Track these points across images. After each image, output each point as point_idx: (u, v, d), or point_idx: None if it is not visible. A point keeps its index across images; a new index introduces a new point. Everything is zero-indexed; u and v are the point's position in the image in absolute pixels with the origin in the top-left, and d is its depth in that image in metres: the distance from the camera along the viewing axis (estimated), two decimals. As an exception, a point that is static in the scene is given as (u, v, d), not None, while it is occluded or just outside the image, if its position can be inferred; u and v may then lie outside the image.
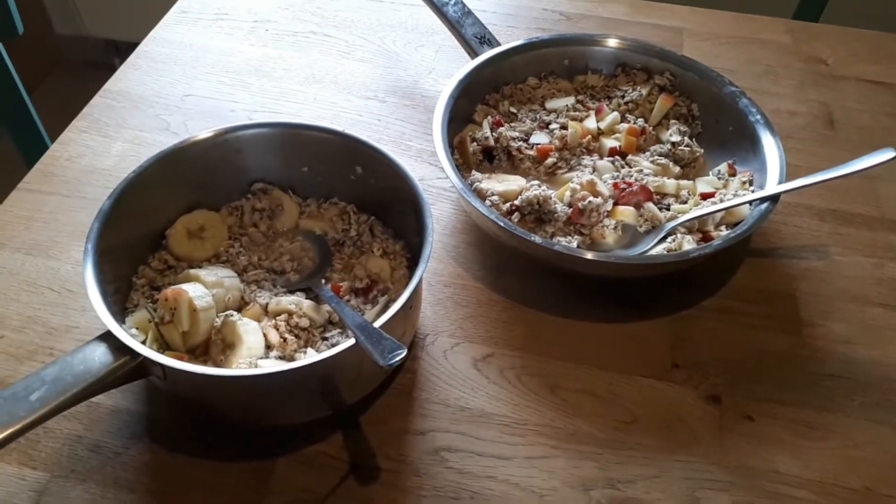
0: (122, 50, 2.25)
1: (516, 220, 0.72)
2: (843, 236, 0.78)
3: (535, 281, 0.73)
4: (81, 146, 0.84)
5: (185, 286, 0.60)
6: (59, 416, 0.58)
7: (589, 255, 0.66)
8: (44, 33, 2.25)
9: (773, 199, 0.70)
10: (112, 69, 0.95)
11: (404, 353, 0.50)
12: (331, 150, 0.69)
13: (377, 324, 0.54)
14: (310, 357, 0.53)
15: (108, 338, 0.53)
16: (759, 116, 0.77)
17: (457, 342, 0.68)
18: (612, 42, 0.86)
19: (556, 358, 0.67)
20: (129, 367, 0.52)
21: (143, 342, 0.58)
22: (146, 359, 0.52)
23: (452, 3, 0.88)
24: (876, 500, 0.59)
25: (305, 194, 0.73)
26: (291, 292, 0.65)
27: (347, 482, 0.59)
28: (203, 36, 0.99)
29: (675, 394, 0.65)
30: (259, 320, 0.62)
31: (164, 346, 0.60)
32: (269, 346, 0.60)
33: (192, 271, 0.63)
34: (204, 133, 0.67)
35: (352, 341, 0.53)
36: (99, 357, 0.52)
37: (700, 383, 0.66)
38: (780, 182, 0.71)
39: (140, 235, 0.66)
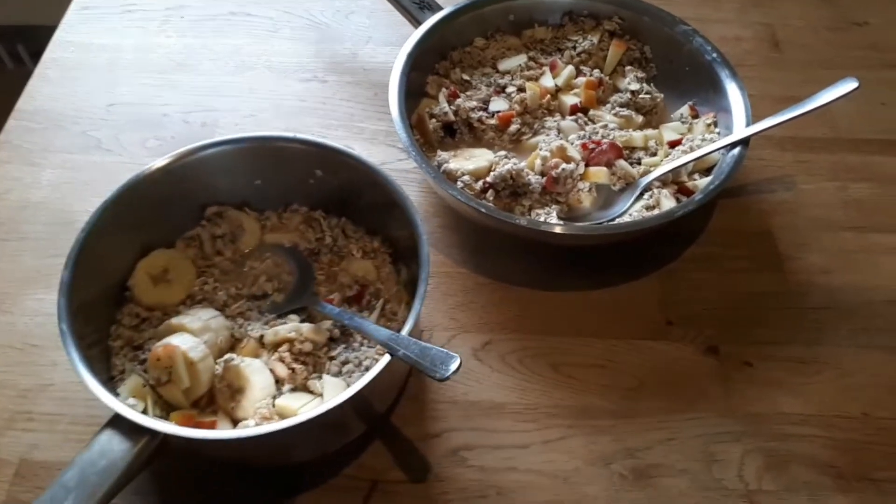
0: (4, 35, 2.07)
1: (491, 197, 0.70)
2: (805, 163, 0.79)
3: (518, 257, 0.71)
4: (8, 180, 0.77)
5: (173, 340, 0.56)
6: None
7: (579, 229, 0.65)
8: None
9: (744, 142, 0.69)
10: None
11: (458, 360, 0.49)
12: (286, 157, 0.65)
13: (404, 332, 0.52)
14: (352, 388, 0.51)
15: (118, 421, 0.49)
16: (714, 55, 0.76)
17: (452, 334, 0.67)
18: (556, -9, 0.83)
19: (553, 334, 0.67)
20: (152, 447, 0.49)
21: (144, 410, 0.55)
22: (168, 435, 0.49)
23: (383, -33, 0.82)
24: (874, 424, 0.62)
25: (261, 207, 0.68)
26: (282, 315, 0.62)
27: (371, 501, 0.58)
28: (113, 34, 0.91)
29: (674, 351, 0.66)
30: (258, 356, 0.59)
31: (165, 408, 0.57)
32: (278, 381, 0.58)
33: (174, 321, 0.59)
34: (148, 167, 0.62)
35: (384, 358, 0.52)
36: (118, 445, 0.48)
37: (696, 337, 0.67)
38: (748, 124, 0.71)
39: (103, 292, 0.61)
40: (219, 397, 0.57)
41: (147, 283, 0.62)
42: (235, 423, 0.56)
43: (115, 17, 0.93)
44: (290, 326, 0.60)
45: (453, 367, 0.49)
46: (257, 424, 0.54)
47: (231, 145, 0.65)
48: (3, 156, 0.79)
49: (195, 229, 0.67)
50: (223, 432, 0.51)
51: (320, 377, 0.59)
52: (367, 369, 0.58)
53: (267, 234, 0.67)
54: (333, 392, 0.56)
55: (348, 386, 0.56)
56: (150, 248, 0.64)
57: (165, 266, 0.63)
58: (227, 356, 0.58)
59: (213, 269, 0.65)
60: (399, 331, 0.54)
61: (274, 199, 0.68)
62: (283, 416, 0.55)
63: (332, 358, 0.60)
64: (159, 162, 0.63)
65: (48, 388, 0.63)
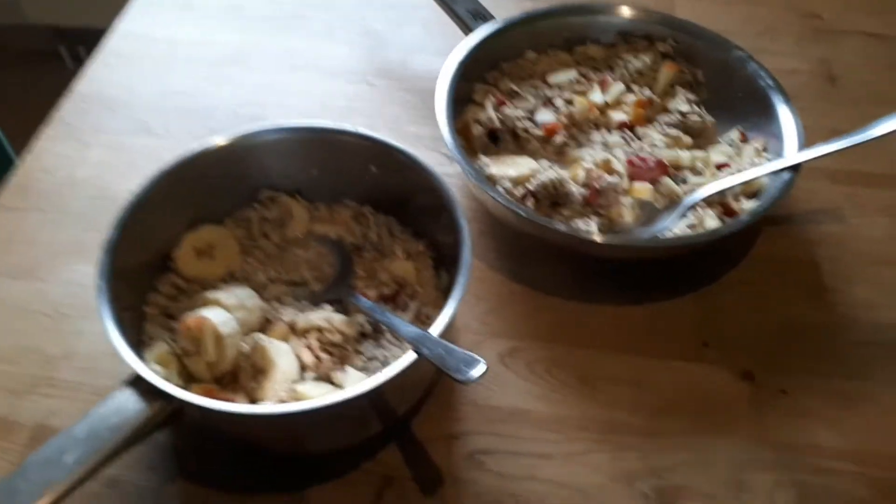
0: (67, 36, 2.14)
1: (531, 204, 0.69)
2: (857, 197, 0.77)
3: (555, 267, 0.70)
4: (56, 156, 0.79)
5: (205, 312, 0.56)
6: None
7: (620, 240, 0.63)
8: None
9: (795, 168, 0.68)
10: (58, 57, 0.89)
11: (484, 365, 0.47)
12: (344, 151, 0.65)
13: (434, 333, 0.51)
14: (371, 380, 0.50)
15: (138, 382, 0.49)
16: (769, 81, 0.75)
17: (481, 339, 0.66)
18: (612, 10, 0.83)
19: (584, 346, 0.65)
20: (166, 412, 0.49)
21: (166, 378, 0.54)
22: (184, 402, 0.48)
23: (440, -24, 0.83)
24: (917, 468, 0.59)
25: (313, 197, 0.68)
26: (316, 304, 0.62)
27: (384, 498, 0.56)
28: (172, 27, 0.93)
29: (708, 374, 0.64)
30: (287, 340, 0.59)
31: (187, 379, 0.56)
32: (302, 368, 0.57)
33: (210, 294, 0.59)
34: (210, 142, 0.63)
35: (408, 355, 0.50)
36: (133, 405, 0.48)
37: (731, 361, 0.64)
38: (800, 150, 0.69)
39: (146, 260, 0.61)
40: (241, 376, 0.56)
41: (191, 255, 0.62)
42: (255, 403, 0.55)
43: (176, 12, 0.95)
44: (323, 315, 0.59)
45: (477, 371, 0.47)
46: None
47: (291, 133, 0.65)
48: (55, 132, 0.81)
49: (246, 210, 0.67)
50: (236, 406, 0.50)
51: (344, 369, 0.58)
52: None
53: (315, 224, 0.67)
54: (355, 385, 0.55)
55: None
56: (199, 222, 0.64)
57: (211, 242, 0.64)
58: (255, 335, 0.57)
59: (257, 251, 0.66)
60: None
61: (327, 190, 0.68)
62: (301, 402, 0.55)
63: (359, 353, 0.59)
64: (219, 140, 0.63)
65: (73, 356, 0.63)
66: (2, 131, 1.22)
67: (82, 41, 2.03)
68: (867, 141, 0.69)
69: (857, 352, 0.65)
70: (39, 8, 2.09)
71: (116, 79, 0.87)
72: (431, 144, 0.81)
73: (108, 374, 0.61)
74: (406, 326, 0.55)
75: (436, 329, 0.52)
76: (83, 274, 0.68)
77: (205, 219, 0.65)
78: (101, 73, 0.88)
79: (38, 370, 0.63)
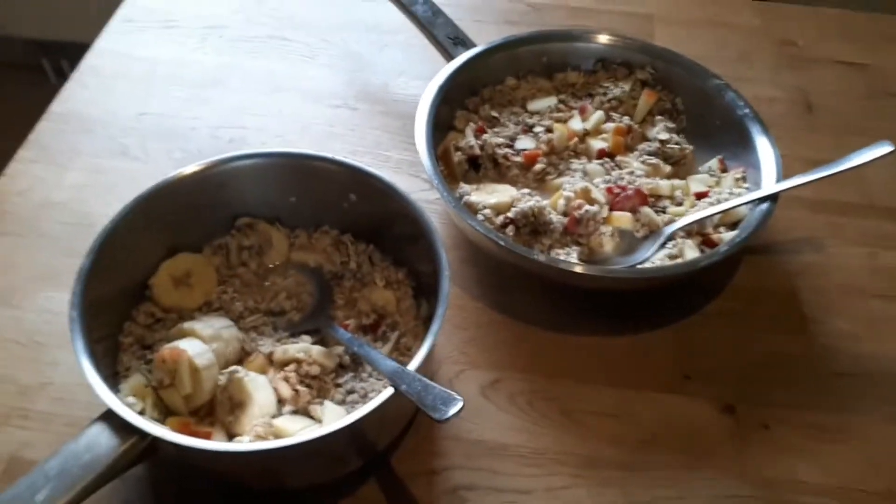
0: (48, 50, 2.11)
1: (511, 233, 0.69)
2: (836, 227, 0.78)
3: (536, 296, 0.70)
4: (31, 178, 0.77)
5: (181, 344, 0.55)
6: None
7: (599, 271, 0.63)
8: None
9: (773, 198, 0.68)
10: (40, 70, 0.87)
11: (460, 403, 0.47)
12: (323, 178, 0.64)
13: (412, 368, 0.51)
14: (349, 417, 0.49)
15: (111, 417, 0.48)
16: (746, 110, 0.76)
17: (461, 369, 0.65)
18: (591, 37, 0.83)
19: (567, 378, 0.65)
20: (140, 448, 0.48)
21: (142, 411, 0.53)
22: (157, 439, 0.47)
23: (421, 2, 0.83)
24: (898, 502, 0.59)
25: (293, 224, 0.68)
26: (295, 335, 0.61)
27: (364, 534, 0.56)
28: (152, 46, 0.92)
29: (690, 407, 0.64)
30: (265, 372, 0.58)
31: (164, 412, 0.55)
32: (280, 401, 0.56)
33: (186, 325, 0.58)
34: (186, 169, 0.62)
35: (386, 391, 0.50)
36: (105, 441, 0.47)
37: (713, 393, 0.64)
38: (778, 180, 0.69)
39: (121, 288, 0.60)
40: (218, 409, 0.55)
41: (168, 284, 0.62)
42: (231, 437, 0.55)
43: (156, 31, 0.94)
44: (301, 347, 0.59)
45: (454, 409, 0.47)
46: (251, 442, 0.53)
47: (270, 158, 0.65)
48: (30, 155, 0.79)
49: (224, 238, 0.66)
50: (212, 443, 0.49)
51: (322, 403, 0.57)
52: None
53: (294, 252, 0.67)
54: (333, 419, 0.55)
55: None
56: (176, 250, 0.64)
57: (189, 270, 0.63)
58: (232, 368, 0.56)
59: (234, 279, 0.65)
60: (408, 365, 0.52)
61: (306, 218, 0.68)
62: (278, 437, 0.54)
63: (338, 385, 0.59)
64: (196, 166, 0.62)
65: (47, 386, 0.62)
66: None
67: (65, 55, 2.00)
68: (845, 170, 0.70)
69: (839, 384, 0.66)
70: (20, 21, 2.06)
71: (94, 98, 0.86)
72: (412, 170, 0.81)
73: (85, 404, 0.60)
74: (384, 361, 0.54)
75: (414, 363, 0.52)
76: (59, 301, 0.67)
77: (182, 246, 0.64)
78: (78, 93, 0.87)
79: (12, 401, 0.61)
